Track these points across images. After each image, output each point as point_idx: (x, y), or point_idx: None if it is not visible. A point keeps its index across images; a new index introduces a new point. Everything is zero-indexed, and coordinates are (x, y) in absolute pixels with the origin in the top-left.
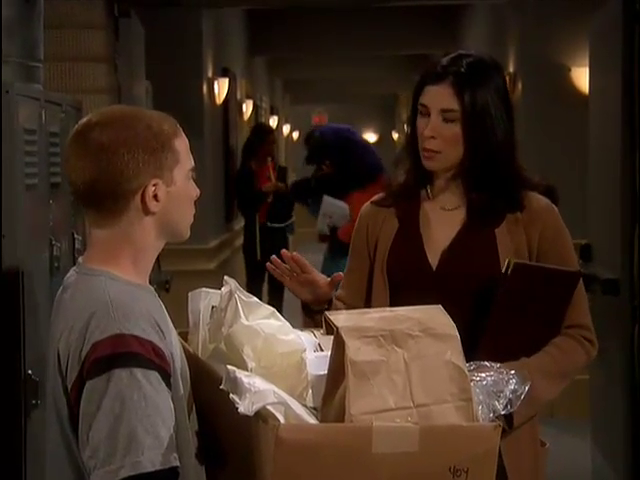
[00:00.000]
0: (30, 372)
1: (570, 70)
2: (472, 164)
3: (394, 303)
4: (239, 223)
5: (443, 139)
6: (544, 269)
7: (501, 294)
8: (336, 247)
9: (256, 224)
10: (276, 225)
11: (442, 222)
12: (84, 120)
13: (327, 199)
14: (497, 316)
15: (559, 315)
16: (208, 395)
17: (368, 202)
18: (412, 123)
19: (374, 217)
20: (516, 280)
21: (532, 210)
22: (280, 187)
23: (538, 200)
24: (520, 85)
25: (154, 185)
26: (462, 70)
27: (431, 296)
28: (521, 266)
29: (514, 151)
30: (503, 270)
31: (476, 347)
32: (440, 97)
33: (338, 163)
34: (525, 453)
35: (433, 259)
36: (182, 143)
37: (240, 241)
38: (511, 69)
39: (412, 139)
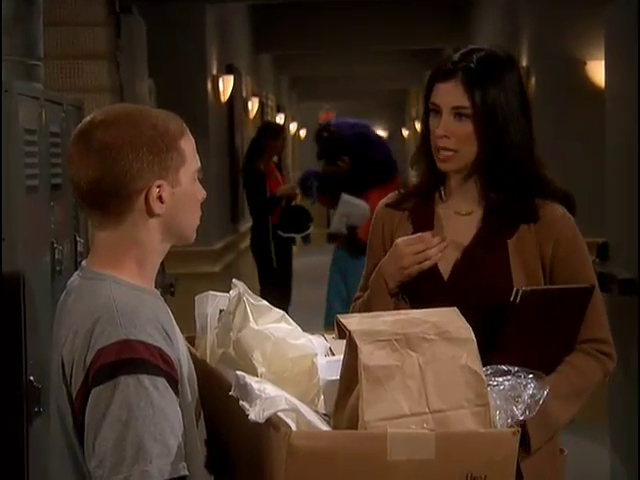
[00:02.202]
0: (32, 379)
1: (586, 64)
2: (486, 163)
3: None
4: (245, 224)
5: (456, 138)
6: (553, 290)
7: (512, 324)
8: (356, 247)
9: (269, 230)
10: (293, 235)
11: (456, 228)
12: (88, 118)
13: (346, 198)
14: (508, 343)
15: (573, 332)
16: (217, 402)
17: (383, 202)
18: (425, 123)
19: (389, 219)
20: (526, 308)
21: (546, 221)
22: (296, 193)
23: (553, 210)
24: (534, 80)
25: (158, 186)
26: (472, 66)
27: (442, 306)
28: (529, 293)
29: (531, 150)
30: (512, 299)
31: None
32: (450, 95)
33: (356, 159)
34: (544, 460)
35: (445, 269)
36: (188, 143)
37: (246, 243)
38: (524, 63)
39: (425, 139)
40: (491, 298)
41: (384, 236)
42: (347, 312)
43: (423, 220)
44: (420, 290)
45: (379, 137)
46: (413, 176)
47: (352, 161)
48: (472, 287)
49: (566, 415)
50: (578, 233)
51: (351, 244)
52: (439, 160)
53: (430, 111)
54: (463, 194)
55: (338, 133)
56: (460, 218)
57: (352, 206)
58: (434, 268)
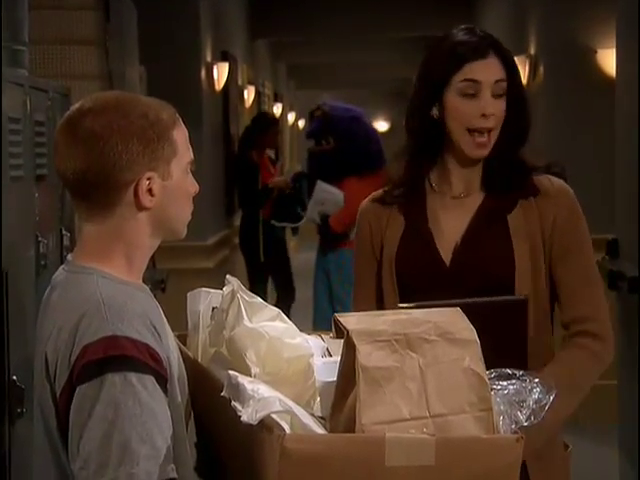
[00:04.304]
0: (15, 378)
1: (596, 52)
2: (504, 144)
3: None
4: (240, 218)
5: (496, 116)
6: (481, 304)
7: None
8: (327, 238)
9: (259, 222)
10: (287, 224)
11: (452, 213)
12: (76, 106)
13: (321, 185)
14: None
15: (519, 346)
16: (207, 402)
17: (368, 200)
18: (428, 108)
19: (377, 217)
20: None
21: (545, 193)
22: (289, 185)
23: (552, 182)
24: (542, 68)
25: (148, 179)
26: (497, 43)
27: (445, 295)
28: (464, 306)
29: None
30: None
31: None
32: (493, 69)
33: (341, 141)
34: (548, 457)
35: (446, 255)
36: (181, 134)
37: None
38: (532, 51)
39: (432, 126)
40: (493, 277)
41: (372, 236)
42: (333, 308)
43: (415, 210)
44: (422, 278)
45: (372, 127)
46: (400, 169)
47: (336, 143)
48: (474, 268)
49: (560, 415)
50: (578, 205)
51: (323, 234)
52: (475, 146)
53: (458, 93)
54: (463, 177)
55: (330, 112)
56: (458, 202)
57: (327, 193)
58: (435, 256)
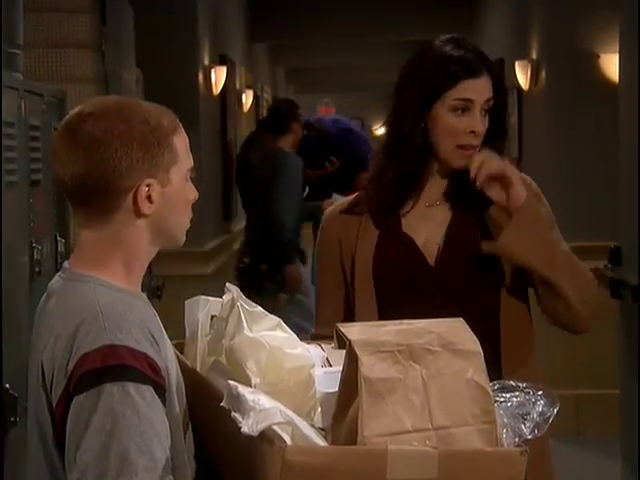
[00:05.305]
0: (8, 386)
1: (599, 57)
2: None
3: (386, 316)
4: (238, 223)
5: (482, 133)
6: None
7: None
8: None
9: None
10: None
11: (428, 219)
12: (76, 110)
13: (337, 197)
14: None
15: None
16: (206, 413)
17: (333, 211)
18: (420, 117)
19: (346, 228)
20: None
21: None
22: None
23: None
24: (544, 73)
25: (148, 185)
26: (486, 57)
27: (430, 297)
28: None
29: None
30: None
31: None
32: (485, 89)
33: (344, 158)
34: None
35: (429, 256)
36: (181, 140)
37: (239, 243)
38: (534, 56)
39: (423, 138)
40: (477, 275)
41: (342, 249)
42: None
43: (390, 220)
44: (404, 279)
45: (358, 130)
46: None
47: (340, 160)
48: (460, 268)
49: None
50: (539, 194)
51: None
52: (463, 157)
53: (450, 109)
54: (438, 186)
55: (325, 131)
56: (430, 210)
57: None
58: (419, 255)
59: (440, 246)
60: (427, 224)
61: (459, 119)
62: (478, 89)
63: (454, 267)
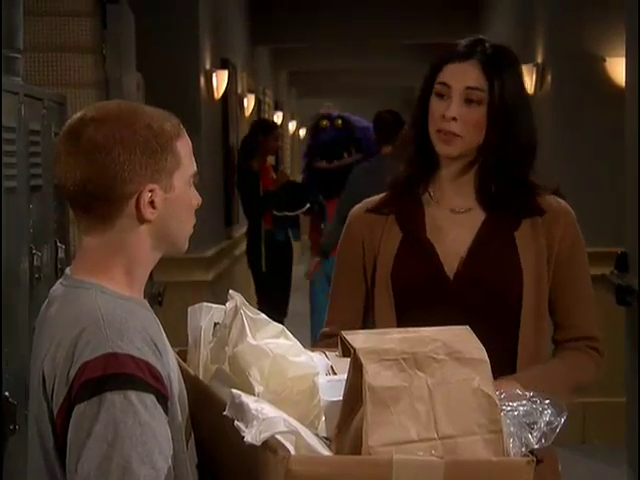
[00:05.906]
0: (7, 394)
1: (605, 60)
2: (490, 154)
3: (403, 323)
4: (240, 229)
5: (464, 122)
6: None
7: None
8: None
9: (261, 233)
10: (286, 213)
11: (454, 226)
12: (78, 115)
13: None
14: None
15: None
16: (209, 422)
17: (360, 209)
18: (421, 106)
19: (371, 228)
20: None
21: (553, 213)
22: (287, 175)
23: (559, 203)
24: (549, 77)
25: (150, 191)
26: (488, 52)
27: (447, 310)
28: None
29: (534, 148)
30: None
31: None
32: (465, 75)
33: (362, 152)
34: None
35: (449, 267)
36: (185, 145)
37: (241, 249)
38: (539, 59)
39: (420, 124)
40: (497, 295)
41: (365, 249)
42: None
43: (413, 222)
44: (423, 294)
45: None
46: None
47: (360, 153)
48: (479, 284)
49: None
50: (578, 227)
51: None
52: (442, 141)
53: (433, 93)
54: (458, 189)
55: (352, 123)
56: (457, 216)
57: None
58: (438, 267)
59: (463, 257)
60: (453, 231)
61: (438, 104)
62: (456, 74)
63: (474, 284)
